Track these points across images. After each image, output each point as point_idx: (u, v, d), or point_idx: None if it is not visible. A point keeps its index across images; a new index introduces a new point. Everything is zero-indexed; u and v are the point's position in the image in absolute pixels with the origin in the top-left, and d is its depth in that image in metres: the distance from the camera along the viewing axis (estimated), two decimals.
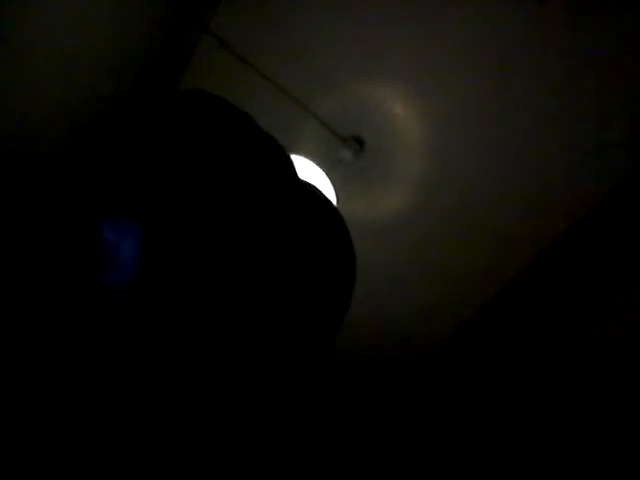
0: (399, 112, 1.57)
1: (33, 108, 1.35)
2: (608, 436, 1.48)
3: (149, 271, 0.47)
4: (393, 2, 1.43)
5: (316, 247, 0.55)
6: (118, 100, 1.53)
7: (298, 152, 1.50)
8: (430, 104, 1.54)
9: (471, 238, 1.64)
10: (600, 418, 1.52)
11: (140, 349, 0.49)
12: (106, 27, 1.41)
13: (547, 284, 1.69)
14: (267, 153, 0.56)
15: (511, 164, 1.55)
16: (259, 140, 0.57)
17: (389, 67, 1.52)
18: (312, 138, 1.60)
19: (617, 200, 1.53)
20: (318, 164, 1.48)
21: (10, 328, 0.55)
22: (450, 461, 1.83)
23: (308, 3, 1.47)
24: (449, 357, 1.92)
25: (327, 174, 1.49)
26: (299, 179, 0.59)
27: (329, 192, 1.47)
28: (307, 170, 1.46)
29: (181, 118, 0.54)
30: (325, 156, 1.58)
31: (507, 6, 1.37)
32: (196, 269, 0.47)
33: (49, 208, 0.54)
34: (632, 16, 1.30)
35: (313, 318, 0.53)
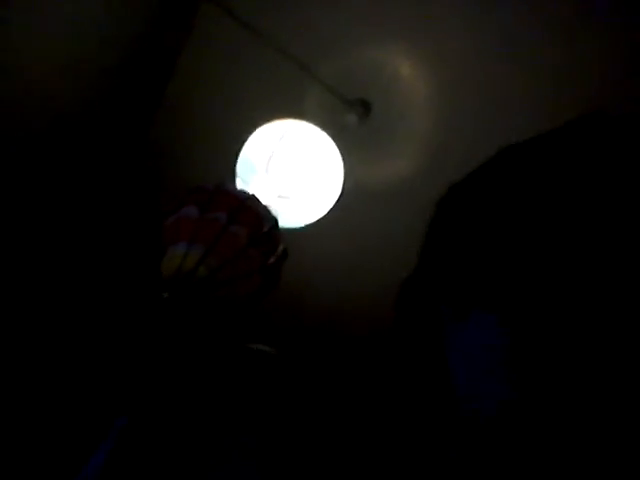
0: (405, 73, 1.53)
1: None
2: None
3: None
4: None
5: None
6: (118, 72, 1.51)
7: (302, 117, 1.48)
8: (437, 64, 1.50)
9: None
10: None
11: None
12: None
13: None
14: None
15: (520, 125, 1.52)
16: None
17: (394, 27, 1.48)
18: (317, 103, 1.57)
19: None
20: (323, 129, 1.46)
21: None
22: None
23: None
24: None
25: (333, 139, 1.47)
26: None
27: (336, 158, 1.45)
28: (312, 136, 1.44)
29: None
30: (330, 121, 1.55)
31: None
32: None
33: None
34: None
35: None
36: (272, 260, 0.68)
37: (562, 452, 0.33)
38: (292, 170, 1.35)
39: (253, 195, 0.69)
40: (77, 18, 1.31)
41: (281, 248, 0.69)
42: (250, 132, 1.42)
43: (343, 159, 1.48)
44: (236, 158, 1.40)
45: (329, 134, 1.46)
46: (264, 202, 0.70)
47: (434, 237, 0.46)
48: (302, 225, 1.31)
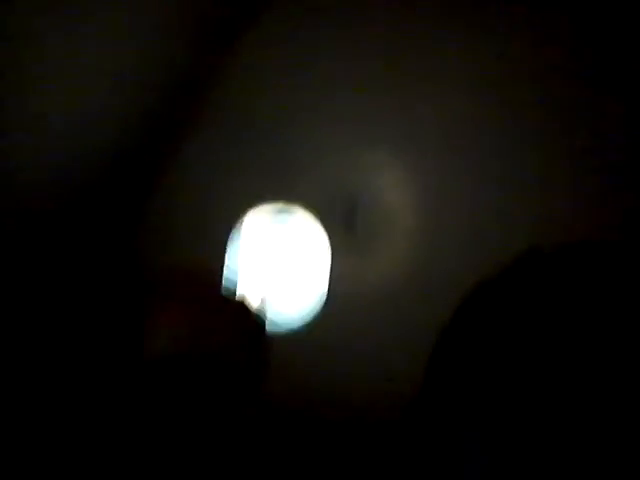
0: (389, 189, 1.62)
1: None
2: None
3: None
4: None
5: None
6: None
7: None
8: (418, 181, 1.58)
9: None
10: None
11: None
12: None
13: None
14: None
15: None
16: None
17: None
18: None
19: None
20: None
21: None
22: None
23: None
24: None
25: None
26: None
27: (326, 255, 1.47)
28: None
29: None
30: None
31: None
32: None
33: None
34: None
35: None
36: (255, 363, 0.68)
37: None
38: (281, 265, 1.38)
39: (242, 301, 0.72)
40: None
41: (266, 352, 0.70)
42: (238, 220, 1.45)
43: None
44: (225, 247, 1.42)
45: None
46: (253, 304, 0.72)
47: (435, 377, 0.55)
48: (289, 328, 1.30)
